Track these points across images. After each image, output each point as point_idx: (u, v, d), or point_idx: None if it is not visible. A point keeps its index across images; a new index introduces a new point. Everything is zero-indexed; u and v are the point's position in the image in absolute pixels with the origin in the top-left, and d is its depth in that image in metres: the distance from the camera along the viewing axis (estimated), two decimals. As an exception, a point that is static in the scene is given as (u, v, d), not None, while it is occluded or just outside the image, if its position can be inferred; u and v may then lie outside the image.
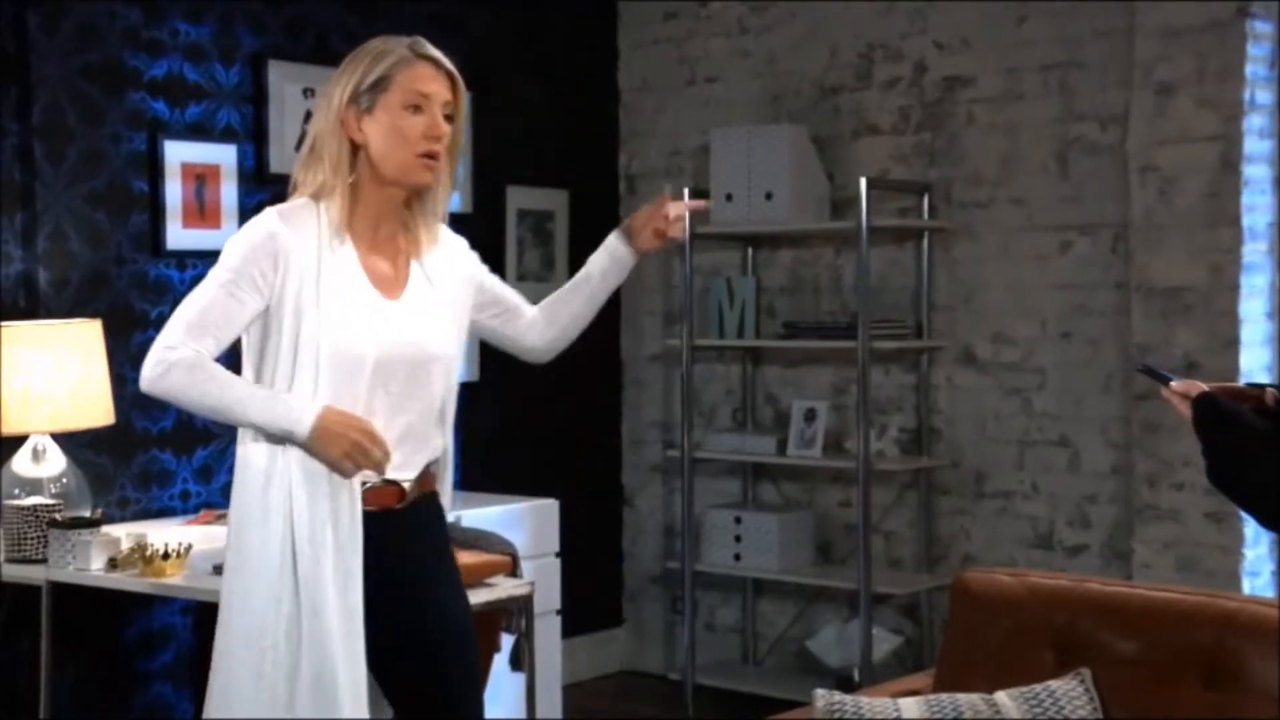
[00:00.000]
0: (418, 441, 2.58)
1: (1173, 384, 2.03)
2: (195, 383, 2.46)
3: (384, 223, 2.57)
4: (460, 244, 2.72)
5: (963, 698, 2.66)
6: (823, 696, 2.74)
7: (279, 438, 2.47)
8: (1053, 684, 2.64)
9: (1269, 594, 4.43)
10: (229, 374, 2.48)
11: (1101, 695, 2.60)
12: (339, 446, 2.43)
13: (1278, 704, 2.35)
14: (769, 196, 4.87)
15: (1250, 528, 4.35)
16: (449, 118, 2.56)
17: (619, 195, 5.61)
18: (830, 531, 5.15)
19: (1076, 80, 4.61)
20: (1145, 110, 4.42)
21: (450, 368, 2.61)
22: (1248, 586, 4.35)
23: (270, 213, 2.53)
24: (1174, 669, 2.56)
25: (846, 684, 4.77)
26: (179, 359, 2.45)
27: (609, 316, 5.58)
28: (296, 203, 2.55)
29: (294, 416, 2.43)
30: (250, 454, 2.53)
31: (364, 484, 2.51)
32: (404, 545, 2.57)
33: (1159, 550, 4.43)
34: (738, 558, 5.05)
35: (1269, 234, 4.44)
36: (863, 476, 4.67)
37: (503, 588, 3.67)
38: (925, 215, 4.86)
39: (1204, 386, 2.00)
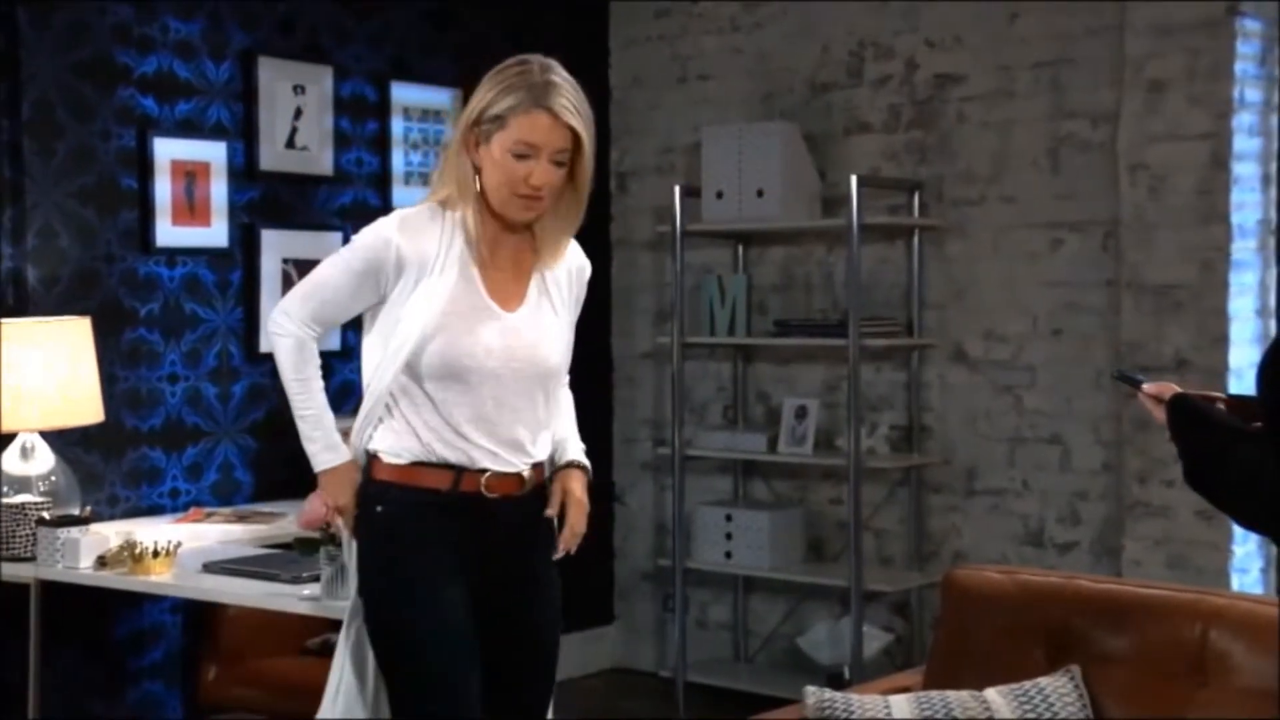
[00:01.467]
0: (524, 444, 2.66)
1: (1145, 387, 2.03)
2: (289, 364, 2.64)
3: (505, 236, 2.63)
4: (584, 269, 2.78)
5: (953, 695, 2.67)
6: (813, 694, 2.75)
7: None
8: (1043, 681, 2.65)
9: (1258, 591, 4.44)
10: (312, 374, 2.65)
11: (1091, 692, 2.61)
12: (326, 498, 2.67)
13: (1267, 700, 2.34)
14: (760, 194, 4.87)
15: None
16: (561, 162, 2.57)
17: (610, 192, 5.60)
18: (821, 529, 5.15)
19: (1067, 78, 4.61)
20: (1136, 108, 4.42)
21: (559, 379, 2.73)
22: (1237, 583, 4.35)
23: (394, 218, 2.62)
24: (1163, 665, 2.57)
25: (837, 681, 4.77)
26: (291, 334, 2.63)
27: (600, 314, 5.60)
28: (423, 208, 2.63)
29: (315, 452, 2.65)
30: None
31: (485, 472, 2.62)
32: (521, 530, 2.69)
33: (1149, 547, 4.43)
34: (729, 555, 5.05)
35: (1258, 231, 4.44)
36: (854, 474, 4.67)
37: None
38: (916, 213, 4.86)
39: (1176, 389, 2.00)
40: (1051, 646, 2.72)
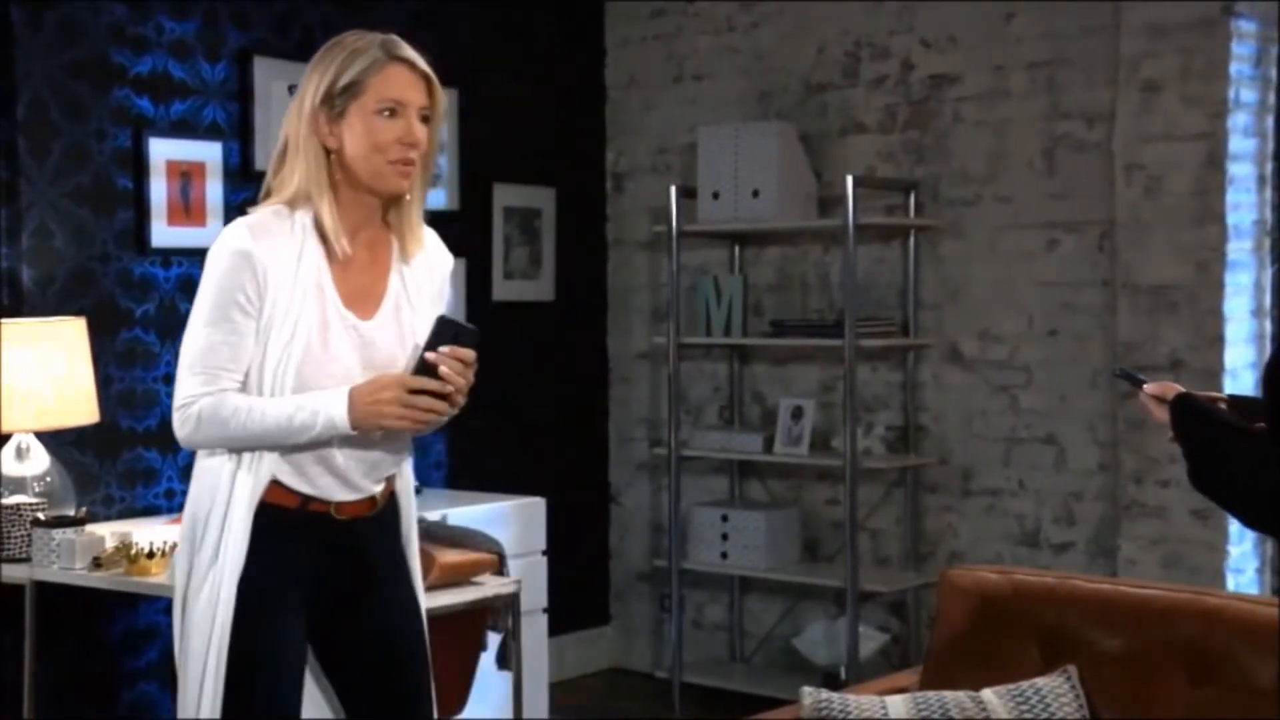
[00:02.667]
0: (385, 460, 2.54)
1: (1147, 387, 2.02)
2: (225, 426, 2.39)
3: (362, 230, 2.48)
4: (445, 263, 2.62)
5: (949, 695, 2.66)
6: (810, 694, 2.74)
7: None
8: (1039, 681, 2.65)
9: (1253, 590, 4.45)
10: (249, 402, 2.40)
11: (1088, 692, 2.60)
12: (386, 417, 2.38)
13: (1266, 700, 2.34)
14: (756, 194, 4.86)
15: (1235, 525, 4.35)
16: (425, 120, 2.46)
17: (605, 193, 5.60)
18: (817, 529, 5.15)
19: (1063, 78, 4.61)
20: (1131, 108, 4.42)
21: None
22: (1232, 583, 4.36)
23: (239, 227, 2.41)
24: (1160, 665, 2.56)
25: (833, 682, 4.76)
26: (198, 410, 2.40)
27: (596, 315, 5.60)
28: (266, 211, 2.44)
29: (331, 422, 2.38)
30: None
31: (335, 504, 2.48)
32: (369, 549, 2.56)
33: (1145, 547, 4.43)
34: (725, 556, 5.05)
35: (1254, 232, 4.44)
36: (850, 474, 4.67)
37: (489, 586, 3.67)
38: (912, 213, 4.86)
39: (1179, 388, 2.00)
40: (1048, 647, 2.72)
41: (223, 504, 2.43)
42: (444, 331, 2.41)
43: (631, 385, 5.59)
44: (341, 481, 2.47)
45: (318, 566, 2.48)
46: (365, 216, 2.48)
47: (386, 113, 2.42)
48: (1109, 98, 4.49)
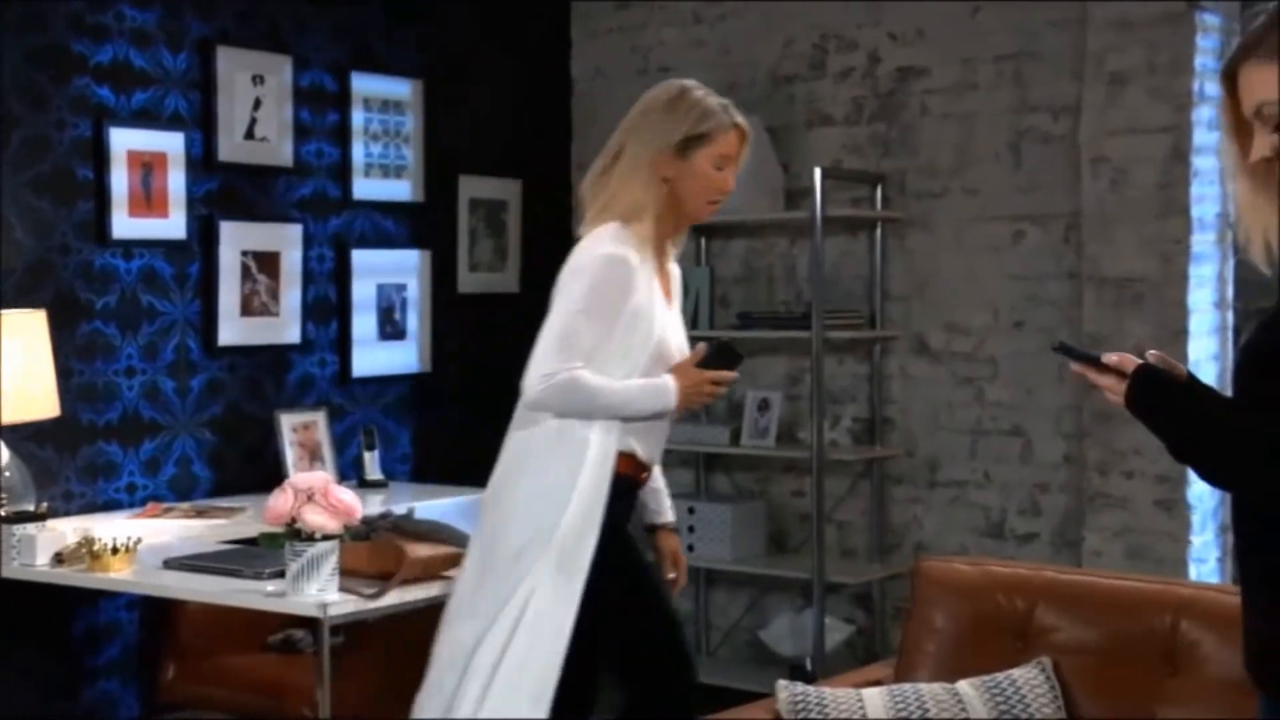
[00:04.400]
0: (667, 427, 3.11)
1: (1106, 358, 2.00)
2: (588, 397, 2.89)
3: (666, 244, 3.09)
4: (676, 267, 3.18)
5: (925, 688, 2.68)
6: (785, 688, 2.75)
7: None
8: (1014, 672, 2.66)
9: (1214, 579, 4.48)
10: (602, 380, 2.90)
11: (1062, 682, 2.63)
12: (696, 400, 3.01)
13: (1237, 689, 2.34)
14: (722, 186, 4.85)
15: (1198, 515, 4.39)
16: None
17: (571, 185, 5.58)
18: (783, 521, 5.15)
19: (1029, 71, 4.62)
20: (1097, 101, 4.44)
21: None
22: (1194, 572, 4.39)
23: (615, 242, 2.92)
24: (1132, 655, 2.59)
25: (799, 673, 4.76)
26: (561, 381, 2.88)
27: (561, 306, 5.58)
28: (615, 226, 2.95)
29: (665, 399, 2.93)
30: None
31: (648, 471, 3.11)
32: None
33: (1109, 538, 4.46)
34: (691, 548, 5.04)
35: (1217, 225, 4.47)
36: (816, 467, 4.67)
37: None
38: (879, 205, 4.87)
39: (1137, 360, 1.99)
40: (1021, 638, 2.74)
41: (594, 473, 2.91)
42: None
43: (597, 378, 5.56)
44: (657, 452, 3.09)
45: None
46: (670, 234, 3.10)
47: (718, 165, 3.01)
48: (1075, 91, 4.50)
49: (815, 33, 5.02)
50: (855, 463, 4.94)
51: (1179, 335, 4.35)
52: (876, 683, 2.84)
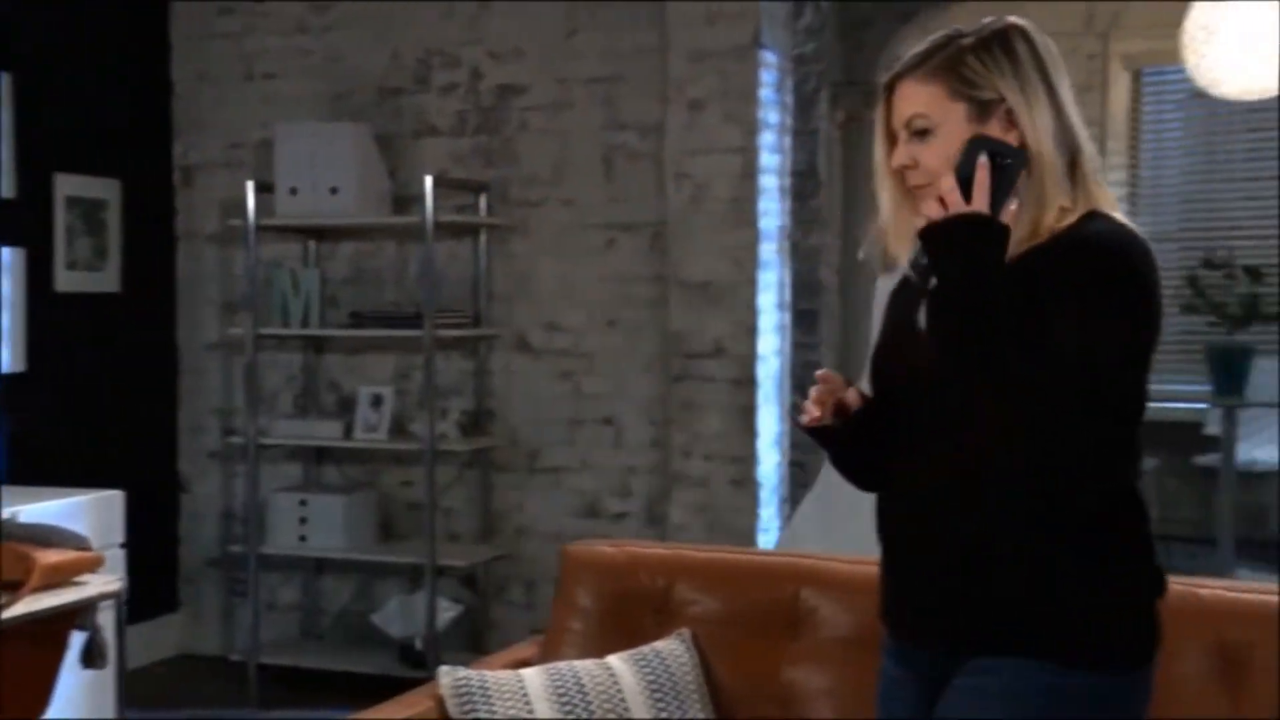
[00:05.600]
0: None
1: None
2: None
3: None
4: None
5: (580, 665, 2.78)
6: (447, 674, 2.75)
7: None
8: (657, 645, 2.81)
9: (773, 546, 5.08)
10: None
11: (701, 651, 2.81)
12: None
13: (849, 647, 2.66)
14: (334, 191, 5.07)
15: (765, 491, 4.99)
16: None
17: (174, 187, 5.63)
18: (393, 510, 5.41)
19: (619, 93, 5.08)
20: (678, 123, 4.94)
21: None
22: (762, 541, 4.96)
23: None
24: (760, 622, 2.80)
25: (410, 653, 5.06)
26: None
27: (165, 306, 5.62)
28: None
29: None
30: None
31: None
32: None
33: (691, 513, 4.98)
34: (303, 539, 5.23)
35: (778, 235, 5.08)
36: (430, 457, 4.97)
37: (93, 585, 3.49)
38: (483, 212, 5.21)
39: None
40: (662, 612, 2.89)
41: None
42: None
43: (202, 376, 5.65)
44: None
45: None
46: None
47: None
48: (660, 113, 4.99)
49: (420, 48, 5.30)
50: (463, 453, 5.26)
51: (750, 332, 4.92)
52: (525, 662, 2.90)
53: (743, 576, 2.92)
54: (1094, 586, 1.91)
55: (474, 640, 5.27)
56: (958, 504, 1.93)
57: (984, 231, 1.85)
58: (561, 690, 2.73)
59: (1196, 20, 5.25)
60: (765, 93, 4.96)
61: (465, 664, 2.89)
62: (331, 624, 5.54)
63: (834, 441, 2.09)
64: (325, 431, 5.26)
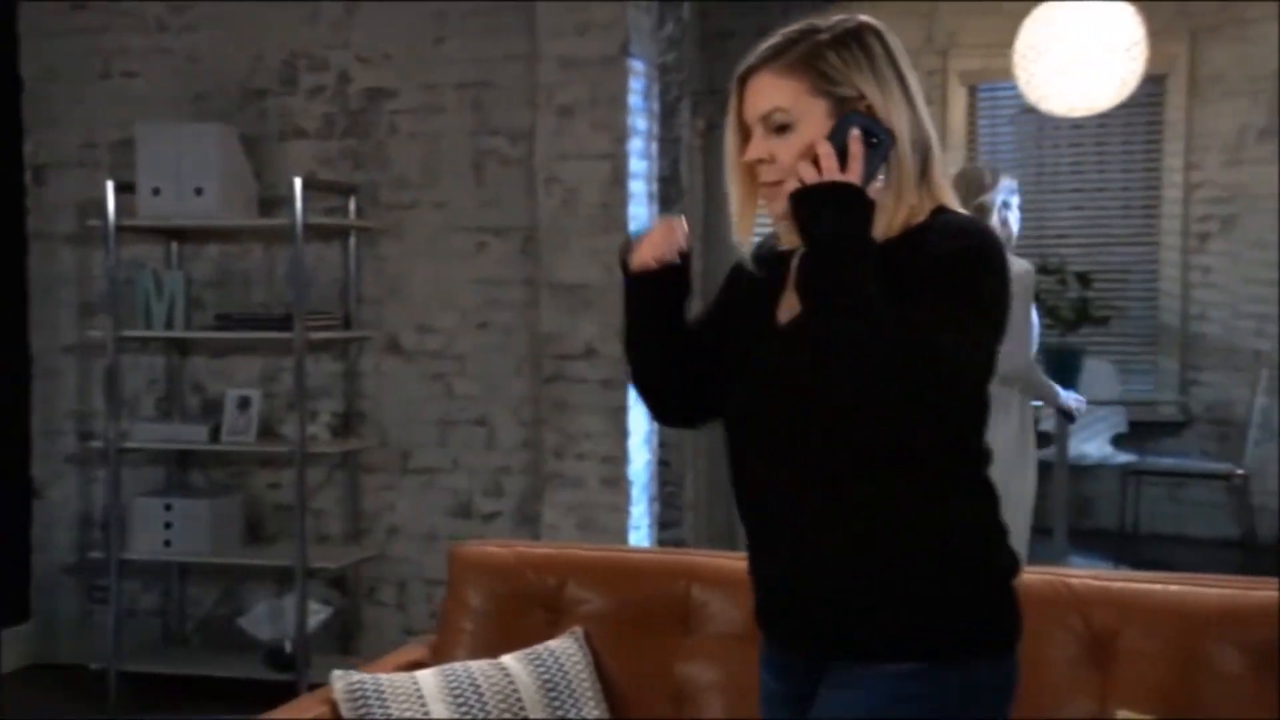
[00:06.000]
0: None
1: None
2: None
3: None
4: None
5: (474, 665, 2.79)
6: (340, 678, 2.74)
7: None
8: (550, 644, 2.83)
9: (645, 542, 5.20)
10: None
11: (594, 649, 2.84)
12: None
13: (737, 642, 2.69)
14: (199, 192, 5.01)
15: (636, 489, 5.10)
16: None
17: (24, 185, 5.49)
18: (260, 513, 5.38)
19: (489, 99, 5.13)
20: (549, 129, 5.01)
21: None
22: (633, 539, 5.07)
23: None
24: (652, 619, 2.83)
25: (278, 655, 5.05)
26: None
27: (16, 308, 5.49)
28: None
29: None
30: None
31: None
32: None
33: (563, 513, 5.06)
34: (167, 544, 5.16)
35: (645, 240, 5.17)
36: (300, 459, 4.96)
37: None
38: (353, 215, 5.21)
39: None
40: (554, 611, 2.91)
41: None
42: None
43: (57, 379, 5.53)
44: None
45: None
46: None
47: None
48: (530, 119, 5.05)
49: (285, 50, 5.27)
50: (334, 454, 5.26)
51: (620, 334, 5.01)
52: (416, 665, 2.88)
53: (633, 574, 2.95)
54: (957, 579, 1.92)
55: (344, 642, 5.28)
56: (815, 508, 1.93)
57: (857, 200, 1.84)
58: (457, 691, 2.74)
59: (1026, 40, 5.57)
60: (634, 100, 5.06)
61: (336, 666, 2.89)
62: (196, 629, 5.48)
63: (647, 312, 2.08)
64: (190, 435, 5.20)
